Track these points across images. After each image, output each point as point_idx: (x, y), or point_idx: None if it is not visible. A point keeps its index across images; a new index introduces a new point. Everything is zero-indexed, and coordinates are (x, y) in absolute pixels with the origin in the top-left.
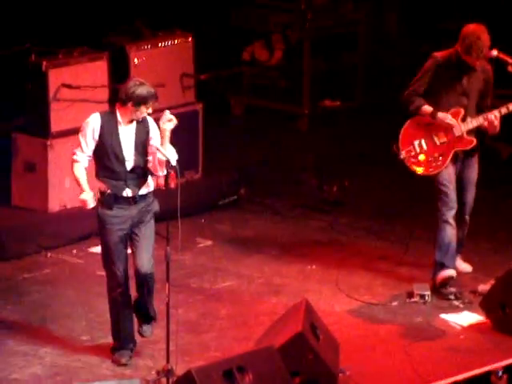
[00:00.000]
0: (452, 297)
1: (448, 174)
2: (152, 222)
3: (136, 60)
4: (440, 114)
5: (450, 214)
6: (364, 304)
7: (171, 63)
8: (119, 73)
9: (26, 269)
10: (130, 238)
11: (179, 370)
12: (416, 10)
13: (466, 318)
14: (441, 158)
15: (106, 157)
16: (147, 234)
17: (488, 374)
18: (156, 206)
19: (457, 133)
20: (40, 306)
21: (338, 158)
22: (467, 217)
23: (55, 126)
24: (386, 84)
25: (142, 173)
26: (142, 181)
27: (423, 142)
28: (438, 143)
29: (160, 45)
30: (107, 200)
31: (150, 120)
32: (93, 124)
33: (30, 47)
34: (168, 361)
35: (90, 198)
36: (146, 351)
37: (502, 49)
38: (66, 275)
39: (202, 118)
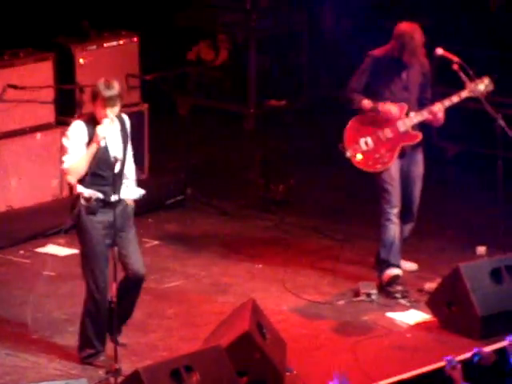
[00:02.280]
0: (398, 295)
1: (393, 172)
2: (132, 225)
3: (81, 60)
4: (381, 106)
5: (394, 212)
6: (311, 303)
7: (117, 63)
8: (65, 73)
9: None
10: (114, 243)
11: (126, 370)
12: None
13: (413, 317)
14: (388, 154)
15: (94, 163)
16: (133, 237)
17: (434, 372)
18: (132, 209)
19: (402, 128)
20: None
21: (284, 157)
22: (414, 212)
23: (1, 126)
24: (331, 83)
25: (123, 174)
26: (121, 183)
27: (369, 139)
28: (383, 139)
29: (105, 45)
30: (93, 206)
31: (126, 119)
32: (79, 131)
33: None
34: (116, 360)
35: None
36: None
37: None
38: (13, 275)
39: (148, 118)
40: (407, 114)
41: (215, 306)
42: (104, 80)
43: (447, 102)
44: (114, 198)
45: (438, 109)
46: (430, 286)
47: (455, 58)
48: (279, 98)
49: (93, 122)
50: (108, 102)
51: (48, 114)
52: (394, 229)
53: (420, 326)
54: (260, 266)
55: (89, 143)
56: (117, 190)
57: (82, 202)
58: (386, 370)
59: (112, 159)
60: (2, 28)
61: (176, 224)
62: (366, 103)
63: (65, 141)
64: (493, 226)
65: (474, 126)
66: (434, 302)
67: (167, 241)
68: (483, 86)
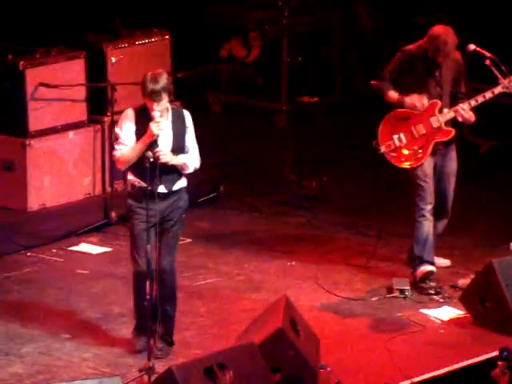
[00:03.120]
0: (432, 291)
1: (426, 168)
2: (180, 220)
3: (113, 59)
4: (407, 99)
5: (428, 209)
6: (344, 299)
7: (148, 61)
8: (97, 71)
9: (6, 268)
10: (158, 233)
11: (160, 368)
12: (390, 4)
13: (446, 313)
14: (421, 150)
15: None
16: (172, 230)
17: (469, 368)
18: (184, 203)
19: (435, 124)
20: (20, 304)
21: (317, 153)
22: (448, 209)
23: (33, 125)
24: (363, 79)
25: (174, 169)
26: (175, 176)
27: (402, 135)
28: (417, 136)
29: (137, 43)
30: (137, 193)
31: (186, 113)
32: (128, 120)
33: (7, 46)
34: (149, 358)
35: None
36: (126, 349)
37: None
38: (47, 274)
39: None
40: (440, 111)
41: (248, 304)
42: (151, 73)
43: (473, 102)
44: (159, 189)
45: (463, 109)
46: (464, 282)
47: (488, 54)
48: (311, 94)
49: (144, 110)
50: (151, 95)
51: (80, 112)
52: (427, 225)
53: (453, 322)
54: (293, 262)
55: (137, 131)
56: (164, 182)
57: (130, 189)
58: (420, 366)
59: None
60: (34, 26)
61: (209, 221)
62: (393, 94)
63: (116, 129)
64: None
65: (506, 121)
66: (467, 298)
67: (200, 238)
68: None
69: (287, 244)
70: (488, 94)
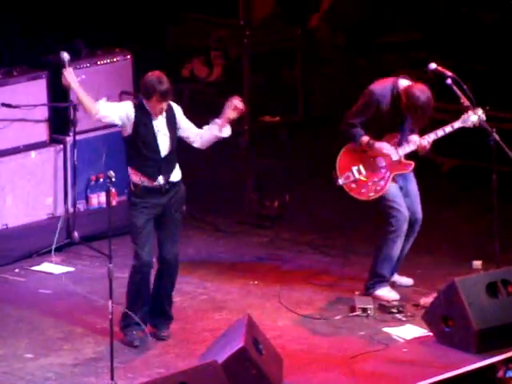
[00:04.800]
0: (394, 310)
1: (393, 190)
2: (180, 212)
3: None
4: (377, 144)
5: (405, 227)
6: (306, 318)
7: (110, 81)
8: (59, 92)
9: None
10: (157, 225)
11: None
12: (354, 24)
13: (409, 331)
14: (381, 182)
15: (140, 146)
16: (174, 223)
17: None
18: (184, 192)
19: (394, 157)
20: None
21: (279, 173)
22: (417, 229)
23: None
24: (325, 99)
25: (173, 160)
26: (173, 167)
27: (362, 167)
28: (376, 168)
29: (99, 63)
30: (139, 191)
31: (174, 105)
32: (127, 109)
33: None
34: (112, 378)
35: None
36: (90, 368)
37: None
38: (9, 294)
39: None
40: (399, 144)
41: (211, 323)
42: (154, 74)
43: (440, 132)
44: (158, 181)
45: (428, 142)
46: (426, 300)
47: (449, 73)
48: (273, 114)
49: (142, 108)
50: (162, 96)
51: (42, 132)
52: (400, 244)
53: (416, 341)
54: (255, 282)
55: (135, 125)
56: (163, 174)
57: (132, 187)
58: None
59: (158, 147)
60: None
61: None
62: (364, 139)
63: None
64: (488, 240)
65: (469, 140)
66: (429, 317)
67: None
68: (476, 117)
69: (250, 263)
70: (448, 129)
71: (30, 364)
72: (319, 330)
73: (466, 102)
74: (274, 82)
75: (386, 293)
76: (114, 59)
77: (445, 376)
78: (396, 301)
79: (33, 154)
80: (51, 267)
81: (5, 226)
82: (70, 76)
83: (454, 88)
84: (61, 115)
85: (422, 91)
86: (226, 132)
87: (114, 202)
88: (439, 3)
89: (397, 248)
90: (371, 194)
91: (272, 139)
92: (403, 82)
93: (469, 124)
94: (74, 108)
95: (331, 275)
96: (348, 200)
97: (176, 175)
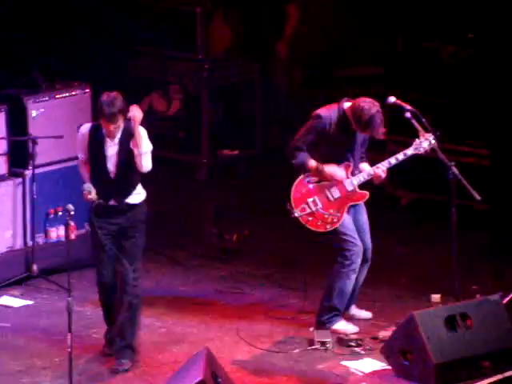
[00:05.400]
0: (353, 343)
1: (348, 223)
2: (139, 232)
3: (34, 112)
4: (327, 168)
5: (359, 261)
6: (265, 352)
7: (69, 114)
8: (17, 125)
9: None
10: (116, 246)
11: None
12: (313, 58)
13: (368, 365)
14: (337, 213)
15: (92, 166)
16: (131, 244)
17: None
18: (143, 215)
19: (349, 187)
20: None
21: (238, 206)
22: (369, 258)
23: None
24: (284, 132)
25: (128, 182)
26: (127, 189)
27: (317, 199)
28: (332, 199)
29: (57, 96)
30: (96, 207)
31: (140, 129)
32: (82, 132)
33: None
34: None
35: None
36: None
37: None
38: None
39: None
40: (353, 173)
41: (170, 356)
42: (107, 95)
43: (394, 160)
44: (111, 202)
45: (382, 171)
46: (385, 334)
47: (408, 106)
48: (232, 147)
49: (98, 128)
50: (109, 118)
51: (1, 165)
52: (354, 279)
53: (375, 375)
54: (214, 315)
55: (89, 147)
56: (115, 196)
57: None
58: None
59: (107, 169)
60: None
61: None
62: (312, 163)
63: None
64: (447, 273)
65: (427, 173)
66: (388, 350)
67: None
68: (427, 143)
69: (208, 296)
70: (400, 156)
71: None
72: (278, 363)
73: (425, 135)
74: (232, 115)
75: (343, 326)
76: (73, 92)
77: None
78: (355, 334)
79: None
80: (10, 300)
81: None
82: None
83: (413, 121)
84: (20, 148)
85: (367, 102)
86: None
87: (72, 236)
88: (398, 38)
89: (351, 282)
90: (328, 226)
91: (231, 172)
92: (347, 104)
93: (421, 151)
94: (33, 142)
95: (290, 309)
96: (307, 233)
97: (133, 198)
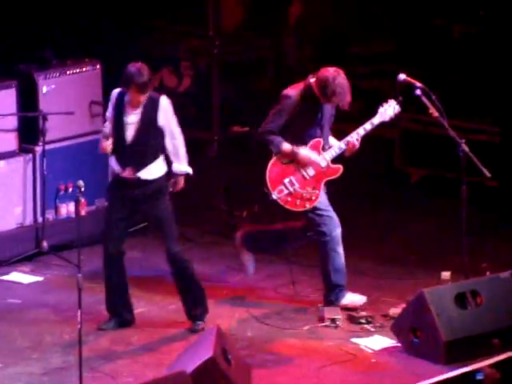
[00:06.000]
0: (363, 320)
1: (323, 199)
2: (164, 203)
3: (44, 88)
4: (302, 152)
5: (339, 231)
6: (275, 329)
7: (80, 91)
8: (28, 101)
9: None
10: (148, 222)
11: None
12: (324, 35)
13: (378, 342)
14: (315, 191)
15: (114, 131)
16: (160, 216)
17: None
18: (165, 189)
19: (323, 164)
20: None
21: (248, 183)
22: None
23: None
24: None
25: (146, 156)
26: (143, 162)
27: (293, 178)
28: (307, 177)
29: (68, 72)
30: (113, 180)
31: (162, 100)
32: (112, 97)
33: None
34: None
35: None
36: (58, 378)
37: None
38: None
39: None
40: (323, 149)
41: (180, 333)
42: (134, 66)
43: (362, 131)
44: (126, 173)
45: (357, 140)
46: (395, 311)
47: (418, 84)
48: (243, 124)
49: (122, 95)
50: (140, 88)
51: (11, 141)
52: (342, 252)
53: (385, 352)
54: (224, 291)
55: (115, 113)
56: (133, 167)
57: (110, 174)
58: None
59: (125, 136)
60: None
61: (140, 251)
62: (286, 147)
63: None
64: (457, 251)
65: (438, 150)
66: (398, 328)
67: (130, 268)
68: (391, 109)
69: (219, 273)
70: (368, 126)
71: None
72: (288, 340)
73: (435, 113)
74: (243, 91)
75: (350, 298)
76: (84, 69)
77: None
78: (364, 307)
79: (2, 163)
80: (20, 277)
81: None
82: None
83: (423, 98)
84: (30, 125)
85: (331, 72)
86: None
87: (83, 212)
88: (411, 16)
89: (340, 254)
90: (307, 205)
91: (241, 149)
92: (312, 79)
93: (387, 118)
94: (44, 117)
95: (301, 285)
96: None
97: (149, 172)
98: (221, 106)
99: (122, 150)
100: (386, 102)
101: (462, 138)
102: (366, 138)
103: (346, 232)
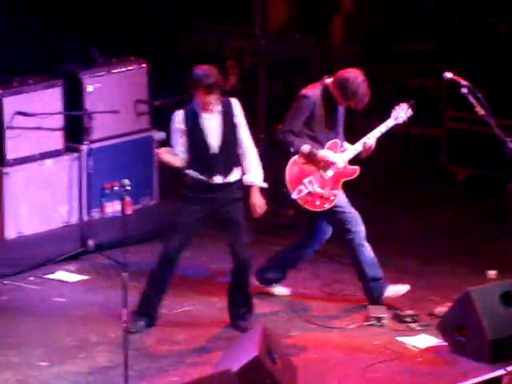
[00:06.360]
0: (409, 319)
1: (342, 198)
2: (240, 206)
3: (90, 87)
4: (321, 153)
5: (362, 227)
6: (320, 327)
7: (125, 90)
8: (73, 100)
9: None
10: (220, 224)
11: None
12: (369, 33)
13: (424, 341)
14: (334, 191)
15: (193, 147)
16: (238, 220)
17: None
18: (241, 193)
19: (340, 165)
20: None
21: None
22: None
23: (11, 153)
24: None
25: (227, 158)
26: (227, 165)
27: (313, 178)
28: (326, 178)
29: (114, 71)
30: (195, 185)
31: (234, 102)
32: (177, 122)
33: None
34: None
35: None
36: (104, 377)
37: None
38: (23, 302)
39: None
40: (340, 151)
41: (225, 331)
42: (200, 68)
43: (377, 133)
44: (214, 180)
45: (372, 141)
46: (441, 310)
47: (464, 82)
48: None
49: (191, 108)
50: (208, 89)
51: (57, 140)
52: (369, 246)
53: (431, 350)
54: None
55: (187, 130)
56: (218, 173)
57: (186, 180)
58: None
59: (208, 143)
60: (11, 55)
61: (186, 249)
62: (305, 148)
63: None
64: (503, 250)
65: (484, 149)
66: (444, 326)
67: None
68: (403, 112)
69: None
70: (383, 128)
71: (45, 372)
72: (333, 339)
73: (482, 111)
74: (289, 90)
75: (394, 289)
76: (129, 67)
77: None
78: (410, 306)
79: (48, 162)
80: (66, 275)
81: (20, 235)
82: (163, 156)
83: (469, 97)
84: (76, 123)
85: (351, 72)
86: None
87: (128, 211)
88: (455, 14)
89: (367, 248)
90: (326, 205)
91: (287, 147)
92: (329, 80)
93: (400, 121)
94: (89, 116)
95: (345, 284)
96: (361, 210)
97: (232, 175)
98: (266, 105)
99: (206, 158)
100: (399, 105)
101: (508, 137)
102: (410, 138)
103: (389, 230)
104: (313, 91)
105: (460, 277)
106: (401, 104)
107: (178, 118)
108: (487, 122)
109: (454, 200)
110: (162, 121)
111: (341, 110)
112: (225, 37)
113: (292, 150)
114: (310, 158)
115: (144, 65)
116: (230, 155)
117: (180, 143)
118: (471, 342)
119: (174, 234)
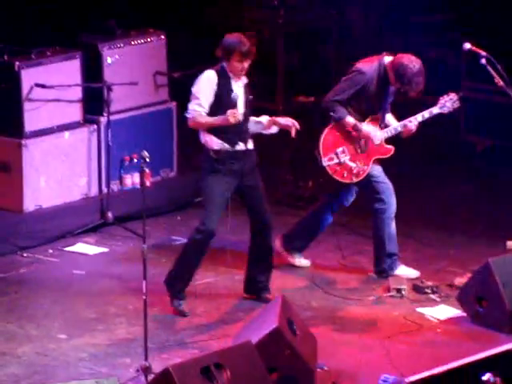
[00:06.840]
0: (428, 290)
1: (378, 168)
2: (259, 173)
3: (109, 59)
4: (365, 128)
5: (394, 200)
6: (340, 299)
7: (144, 61)
8: (92, 72)
9: (2, 269)
10: (241, 192)
11: (157, 368)
12: (387, 4)
13: (443, 312)
14: (363, 166)
15: (221, 111)
16: (260, 186)
17: (465, 367)
18: (257, 159)
19: (376, 141)
20: (17, 305)
21: (313, 154)
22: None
23: (29, 125)
24: None
25: (246, 129)
26: (247, 135)
27: (346, 149)
28: (359, 151)
29: (133, 43)
30: (222, 156)
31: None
32: (210, 81)
33: (3, 47)
34: (146, 358)
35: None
36: (123, 349)
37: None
38: (43, 275)
39: (176, 116)
40: (380, 127)
41: (245, 303)
42: (237, 35)
43: (420, 118)
44: (239, 146)
45: (414, 126)
46: (460, 280)
47: (483, 53)
48: (308, 94)
49: (223, 72)
50: (246, 55)
51: (76, 112)
52: (394, 219)
53: (450, 322)
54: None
55: (219, 93)
56: (243, 140)
57: (212, 154)
58: (417, 365)
59: (237, 109)
60: (29, 27)
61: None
62: (350, 120)
63: (194, 87)
64: None
65: (503, 120)
66: (464, 297)
67: None
68: (450, 103)
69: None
70: (426, 114)
71: (64, 344)
72: (353, 310)
73: (501, 82)
74: (308, 61)
75: (405, 271)
76: (148, 39)
77: (479, 356)
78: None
79: (66, 134)
80: (85, 248)
81: (39, 207)
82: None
83: (488, 68)
84: (94, 95)
85: (412, 60)
86: (274, 129)
87: (148, 183)
88: None
89: (393, 226)
90: (354, 178)
91: (306, 119)
92: (388, 59)
93: (445, 110)
94: (108, 88)
95: (365, 256)
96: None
97: (249, 143)
98: (285, 76)
99: (232, 126)
100: (448, 94)
101: None
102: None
103: (410, 202)
104: (369, 67)
105: (480, 248)
106: (450, 93)
107: (210, 78)
108: (506, 93)
109: (474, 171)
110: (181, 93)
111: (392, 88)
112: (244, 8)
113: (335, 117)
114: (351, 130)
115: (162, 36)
116: (246, 125)
117: (208, 104)
118: (491, 312)
119: (212, 207)
